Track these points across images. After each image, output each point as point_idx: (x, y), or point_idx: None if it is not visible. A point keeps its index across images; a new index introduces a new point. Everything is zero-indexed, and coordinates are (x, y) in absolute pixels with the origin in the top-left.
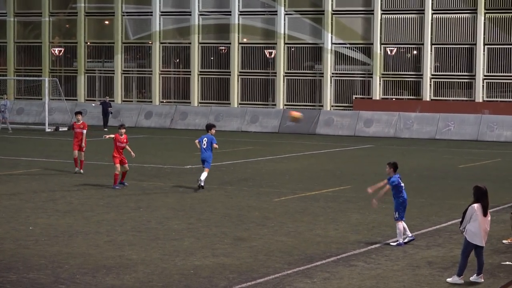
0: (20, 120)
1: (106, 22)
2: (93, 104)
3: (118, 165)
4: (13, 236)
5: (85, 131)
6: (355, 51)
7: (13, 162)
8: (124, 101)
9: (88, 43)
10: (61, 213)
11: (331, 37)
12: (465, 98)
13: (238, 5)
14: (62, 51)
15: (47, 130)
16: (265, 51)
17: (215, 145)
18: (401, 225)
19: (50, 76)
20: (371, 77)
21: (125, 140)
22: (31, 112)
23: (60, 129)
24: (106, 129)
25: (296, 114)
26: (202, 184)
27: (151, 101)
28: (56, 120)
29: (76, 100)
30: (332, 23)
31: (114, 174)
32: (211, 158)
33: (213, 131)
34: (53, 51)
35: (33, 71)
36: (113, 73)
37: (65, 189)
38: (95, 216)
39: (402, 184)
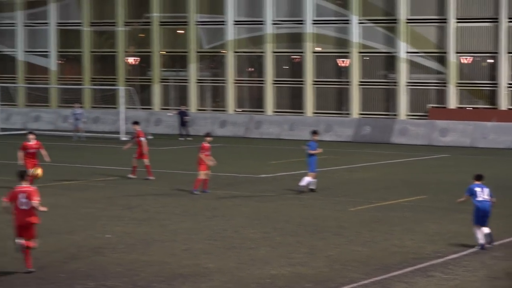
0: (96, 128)
1: (180, 32)
2: (169, 114)
3: (203, 172)
4: (90, 244)
5: (143, 139)
6: (429, 60)
7: (89, 170)
8: (198, 110)
9: (163, 52)
10: (137, 221)
11: (405, 46)
12: None
13: (311, 14)
14: (137, 60)
15: (122, 138)
16: (338, 60)
17: (313, 151)
18: (476, 230)
19: (125, 85)
20: (446, 86)
21: (207, 148)
22: (106, 120)
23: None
24: (182, 139)
25: None
26: (311, 187)
27: (225, 110)
28: (131, 129)
29: (151, 109)
30: (405, 31)
31: (197, 179)
32: (312, 163)
33: (315, 137)
34: (127, 60)
35: (108, 80)
36: (187, 82)
37: (141, 197)
38: (171, 224)
39: (477, 192)
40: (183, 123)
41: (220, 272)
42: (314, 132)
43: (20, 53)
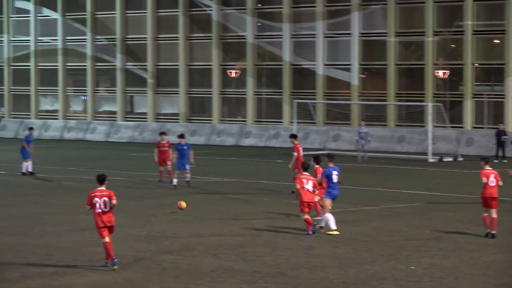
0: (401, 149)
1: (496, 41)
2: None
3: None
4: (393, 276)
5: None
6: None
7: (393, 194)
8: None
9: (476, 64)
10: (445, 252)
11: None
12: None
13: None
14: (447, 73)
15: (430, 160)
16: None
17: None
18: None
19: (433, 100)
20: None
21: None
22: (412, 140)
23: (444, 160)
24: (496, 160)
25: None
26: None
27: None
28: (440, 149)
29: (462, 127)
30: None
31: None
32: None
33: None
34: (437, 74)
35: (415, 95)
36: (504, 98)
37: (449, 226)
38: (483, 256)
39: None
40: (500, 143)
41: None
42: None
43: (320, 66)
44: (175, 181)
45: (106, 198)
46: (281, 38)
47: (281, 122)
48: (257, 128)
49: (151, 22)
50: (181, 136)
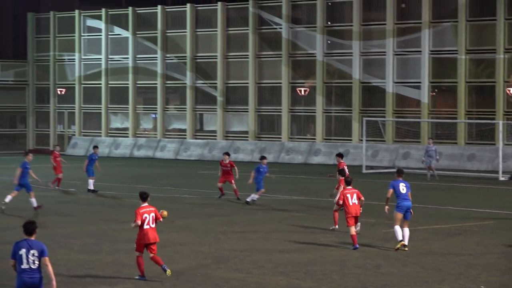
0: (471, 167)
1: None
2: None
3: None
4: None
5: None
6: None
7: (463, 213)
8: None
9: None
10: None
11: None
12: None
13: None
14: None
15: (501, 178)
16: None
17: None
18: None
19: (504, 118)
20: None
21: None
22: (483, 158)
23: None
24: None
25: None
26: None
27: None
28: (510, 167)
29: None
30: None
31: None
32: None
33: None
34: (508, 91)
35: (485, 113)
36: None
37: None
38: None
39: None
40: None
41: None
42: None
43: (389, 84)
44: (253, 196)
45: (153, 214)
46: (350, 55)
47: (350, 140)
48: (326, 146)
49: (221, 40)
50: (263, 157)
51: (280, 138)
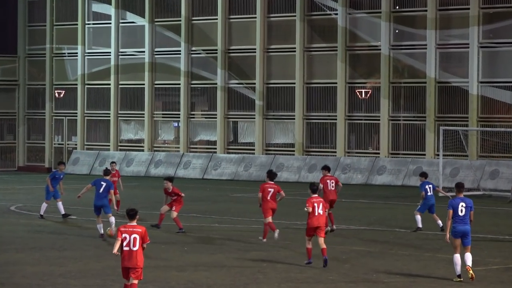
0: None
1: None
2: None
3: None
4: None
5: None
6: None
7: None
8: None
9: None
10: None
11: None
12: None
13: None
14: None
15: None
16: None
17: None
18: None
19: None
20: None
21: None
22: None
23: None
24: None
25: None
26: None
27: None
28: None
29: None
30: None
31: None
32: None
33: None
34: None
35: None
36: None
37: None
38: None
39: None
40: None
41: None
42: None
43: (474, 84)
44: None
45: (136, 236)
46: (424, 48)
47: (423, 155)
48: (392, 163)
49: (260, 29)
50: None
51: (335, 152)
